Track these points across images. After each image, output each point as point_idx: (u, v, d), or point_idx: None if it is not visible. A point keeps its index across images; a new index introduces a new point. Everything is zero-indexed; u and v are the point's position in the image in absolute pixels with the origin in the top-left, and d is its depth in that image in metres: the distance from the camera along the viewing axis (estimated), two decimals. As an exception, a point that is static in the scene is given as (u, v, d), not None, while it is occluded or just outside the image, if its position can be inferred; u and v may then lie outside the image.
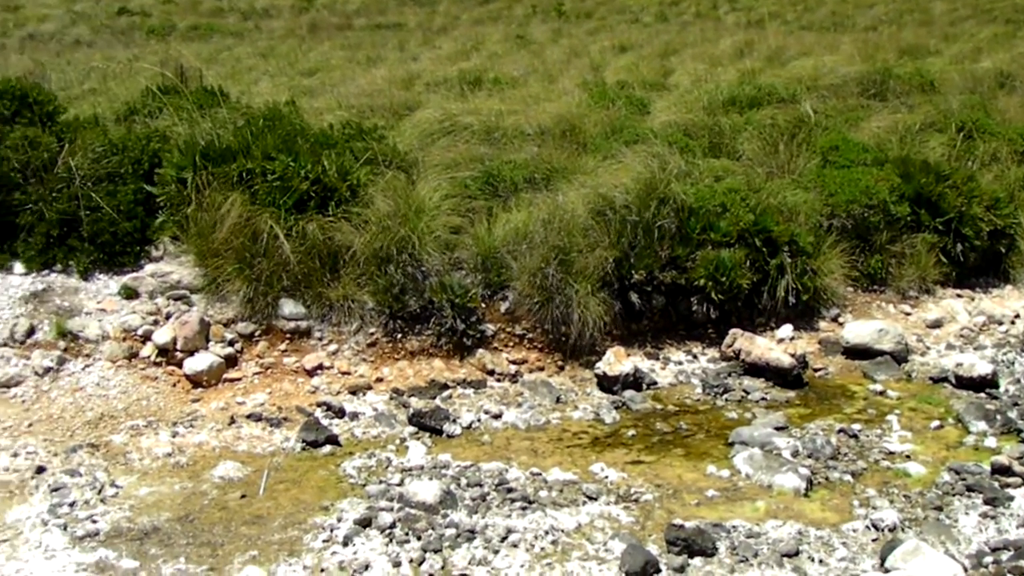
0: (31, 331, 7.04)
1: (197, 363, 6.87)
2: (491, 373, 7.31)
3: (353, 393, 6.93)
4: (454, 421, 6.57)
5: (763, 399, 7.13)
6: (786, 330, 7.96)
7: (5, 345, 6.94)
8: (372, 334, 7.32)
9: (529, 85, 12.96)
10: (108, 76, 13.62)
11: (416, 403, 6.76)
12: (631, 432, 6.61)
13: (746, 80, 12.63)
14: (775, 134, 9.94)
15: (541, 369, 7.46)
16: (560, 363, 7.53)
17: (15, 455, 6.02)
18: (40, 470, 5.87)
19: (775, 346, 7.56)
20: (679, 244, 7.89)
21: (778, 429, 6.49)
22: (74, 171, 7.67)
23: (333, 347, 7.24)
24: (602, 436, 6.59)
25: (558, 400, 7.06)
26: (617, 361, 7.28)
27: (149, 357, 6.97)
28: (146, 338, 7.06)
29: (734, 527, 5.33)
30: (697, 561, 5.02)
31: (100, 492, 5.64)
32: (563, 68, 14.90)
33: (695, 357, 7.83)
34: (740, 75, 13.14)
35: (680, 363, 7.74)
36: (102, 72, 14.04)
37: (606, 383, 7.24)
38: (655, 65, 14.87)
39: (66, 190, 7.62)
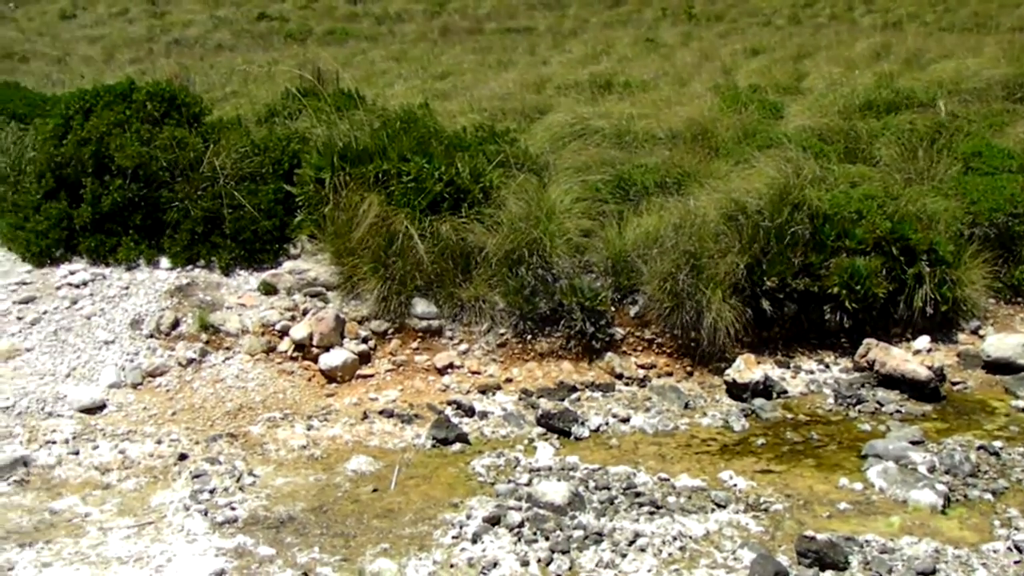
0: (176, 324, 7.33)
1: (332, 359, 7.05)
2: (619, 377, 7.31)
3: (483, 392, 7.02)
4: (582, 423, 6.59)
5: (898, 412, 6.95)
6: (923, 341, 7.75)
7: (152, 336, 7.25)
8: (502, 335, 7.39)
9: (660, 88, 12.87)
10: (249, 79, 14.04)
11: (545, 404, 6.80)
12: (761, 441, 6.53)
13: (883, 83, 12.29)
14: (914, 139, 9.66)
15: (670, 374, 7.43)
16: (689, 369, 7.49)
17: (159, 442, 6.28)
18: (182, 457, 6.11)
19: (911, 358, 7.36)
20: (813, 251, 7.75)
21: (914, 443, 6.31)
22: (218, 171, 7.94)
23: (464, 346, 7.34)
24: (731, 444, 6.53)
25: (686, 406, 7.02)
26: (747, 368, 7.20)
27: (286, 352, 7.19)
28: (283, 333, 7.28)
29: (867, 541, 5.21)
30: (828, 574, 4.93)
31: (239, 480, 5.84)
32: (694, 71, 14.75)
33: (827, 366, 7.69)
34: (877, 78, 12.78)
35: (811, 372, 7.61)
36: (243, 75, 14.49)
37: (735, 390, 7.17)
38: (788, 68, 14.58)
39: (210, 189, 7.89)
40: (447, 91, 13.07)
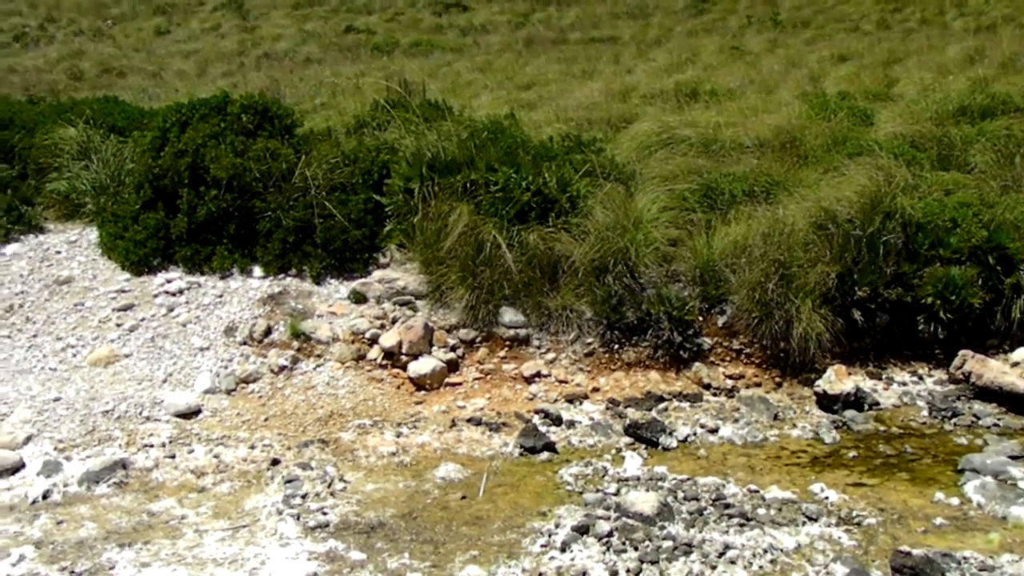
0: (268, 331, 7.48)
1: (421, 367, 7.13)
2: (707, 387, 7.25)
3: (570, 401, 7.03)
4: (670, 434, 6.56)
5: (995, 425, 6.78)
6: (1021, 353, 7.53)
7: (245, 344, 7.40)
8: (589, 344, 7.39)
9: (746, 96, 12.75)
10: (337, 91, 14.27)
11: (632, 414, 6.78)
12: (852, 453, 6.42)
13: (978, 89, 12.00)
14: (1010, 145, 9.41)
15: (758, 385, 7.35)
16: (778, 379, 7.40)
17: (252, 447, 6.41)
18: (275, 462, 6.22)
19: (1009, 370, 7.16)
20: (905, 260, 7.60)
21: (1014, 458, 6.14)
22: (309, 181, 8.09)
23: (551, 355, 7.36)
24: (822, 456, 6.43)
25: (776, 417, 6.93)
26: (838, 379, 7.09)
27: (375, 359, 7.28)
28: (373, 341, 7.38)
29: (965, 558, 5.08)
30: (925, 590, 4.83)
31: (330, 486, 5.92)
32: (780, 79, 14.58)
33: (920, 378, 7.53)
34: (971, 84, 12.48)
35: (904, 384, 7.46)
36: (332, 87, 14.72)
37: (826, 402, 7.06)
38: (877, 74, 14.33)
39: (302, 199, 8.05)
40: (532, 101, 13.12)
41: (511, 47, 21.31)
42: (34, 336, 7.62)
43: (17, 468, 6.21)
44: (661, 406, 7.01)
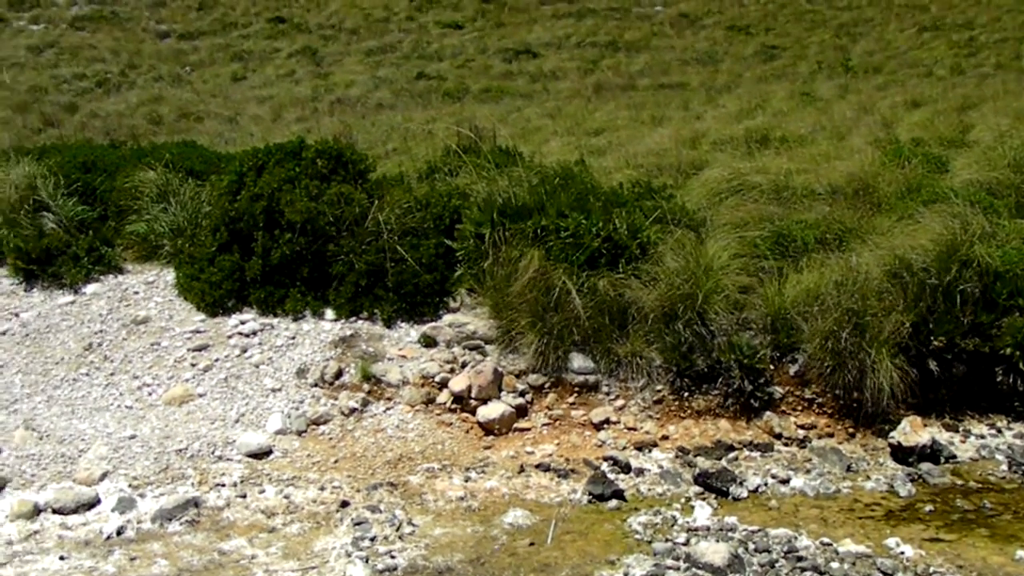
0: (339, 373, 7.55)
1: (490, 411, 7.14)
2: (778, 437, 7.16)
3: (639, 449, 6.98)
4: (741, 483, 6.48)
5: (1079, 481, 6.60)
6: (1106, 407, 7.35)
7: (316, 385, 7.48)
8: (659, 391, 7.35)
9: (817, 143, 12.65)
10: (409, 136, 14.46)
11: (702, 463, 6.71)
12: (928, 507, 6.28)
13: (1057, 135, 11.78)
14: (1092, 193, 9.23)
15: (831, 435, 7.23)
16: (851, 430, 7.27)
17: (322, 488, 6.45)
18: (344, 504, 6.26)
19: (1093, 424, 6.98)
20: (983, 310, 7.46)
21: (1099, 515, 5.98)
22: (382, 225, 8.19)
23: (620, 402, 7.33)
24: (896, 509, 6.30)
25: (849, 468, 6.82)
26: (913, 431, 6.95)
27: (445, 403, 7.31)
28: (443, 385, 7.41)
29: (1047, 619, 4.94)
30: (1007, 651, 4.70)
31: (398, 529, 5.94)
32: (852, 125, 14.46)
33: (999, 431, 7.36)
34: (1051, 130, 12.27)
35: (982, 437, 7.29)
36: (403, 132, 14.92)
37: (900, 454, 6.92)
38: (952, 120, 14.14)
39: (374, 243, 8.14)
40: (602, 147, 13.17)
41: (580, 93, 21.43)
42: (111, 374, 7.79)
43: (93, 504, 6.33)
44: (731, 455, 6.93)
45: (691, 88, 21.80)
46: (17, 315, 8.62)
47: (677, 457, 6.89)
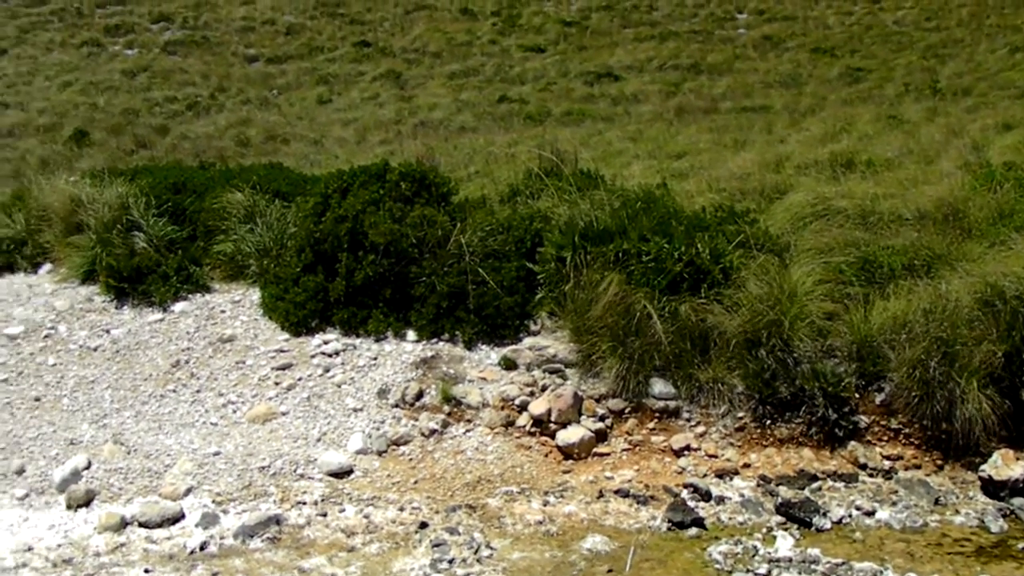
0: (420, 395, 7.60)
1: (569, 436, 7.12)
2: (863, 467, 7.00)
3: (720, 477, 6.89)
4: (824, 514, 6.36)
5: None
6: None
7: (397, 406, 7.54)
8: (740, 418, 7.25)
9: (905, 167, 12.41)
10: (491, 159, 14.54)
11: (784, 492, 6.60)
12: (1021, 544, 6.09)
13: None
14: None
15: (918, 467, 7.05)
16: (939, 462, 7.08)
17: (401, 509, 6.49)
18: (423, 525, 6.29)
19: None
20: (1080, 340, 7.22)
21: None
22: (464, 248, 8.24)
23: (701, 429, 7.25)
24: (987, 546, 6.11)
25: (937, 502, 6.64)
26: (1005, 465, 6.75)
27: (524, 427, 7.31)
28: (522, 408, 7.41)
29: None
30: None
31: (476, 552, 5.95)
32: (941, 148, 14.14)
33: (1097, 466, 7.10)
34: None
35: (1079, 472, 7.04)
36: (485, 155, 15.01)
37: (991, 488, 6.72)
38: (1047, 144, 13.78)
39: (456, 265, 8.19)
40: (684, 171, 13.09)
41: (662, 116, 21.38)
42: (197, 391, 7.94)
43: (177, 518, 6.46)
44: (814, 485, 6.80)
45: (774, 111, 21.59)
46: (108, 331, 8.85)
47: (759, 486, 6.79)
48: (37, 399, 8.04)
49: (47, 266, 10.33)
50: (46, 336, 8.88)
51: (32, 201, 10.83)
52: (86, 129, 23.51)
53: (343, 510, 6.48)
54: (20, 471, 7.14)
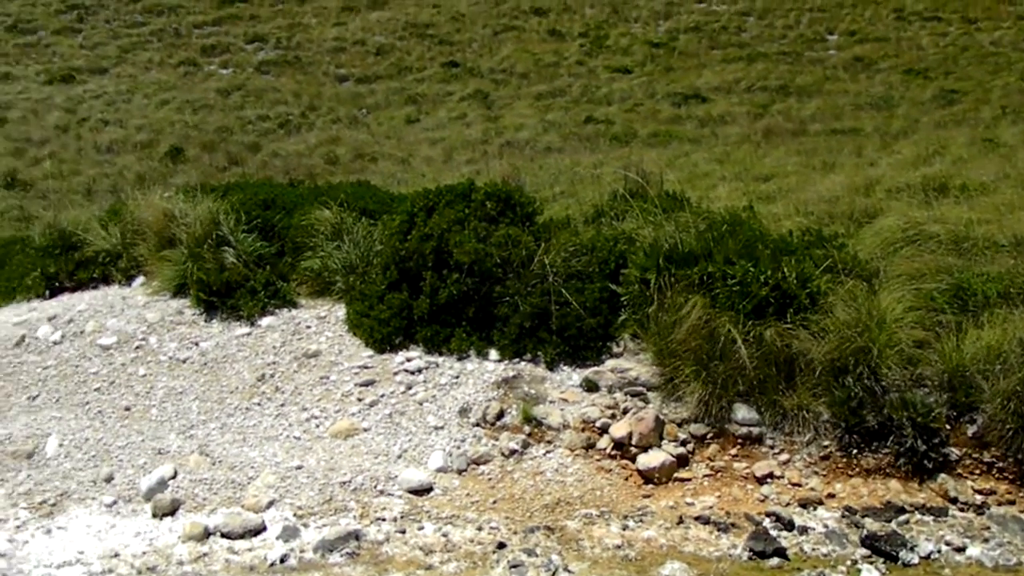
0: (501, 414, 7.60)
1: (650, 460, 7.05)
2: (953, 501, 6.80)
3: (803, 506, 6.75)
4: (911, 549, 6.18)
5: None
6: None
7: (478, 425, 7.55)
8: (825, 447, 7.10)
9: (1001, 192, 12.07)
10: (576, 180, 14.54)
11: (870, 524, 6.44)
12: (1121, 585, 5.86)
13: None
14: None
15: (1012, 503, 6.81)
16: (1034, 498, 6.86)
17: (480, 529, 6.49)
18: (501, 546, 6.27)
19: None
20: None
21: None
22: (547, 268, 8.23)
23: (784, 456, 7.12)
24: (1084, 586, 5.89)
25: (1031, 539, 6.42)
26: (1105, 502, 6.50)
27: (605, 449, 7.26)
28: (603, 431, 7.36)
29: None
30: None
31: (554, 574, 5.91)
32: (1040, 173, 13.77)
33: None
34: None
35: None
36: (571, 176, 15.02)
37: (1090, 526, 6.48)
38: None
39: (539, 286, 8.19)
40: (771, 193, 12.94)
41: (749, 138, 21.19)
42: (282, 405, 8.06)
43: (259, 530, 6.55)
44: (902, 518, 6.62)
45: (865, 133, 21.25)
46: (197, 344, 9.04)
47: (844, 517, 6.63)
48: (127, 408, 8.24)
49: (140, 279, 10.60)
50: (137, 347, 9.11)
51: (128, 216, 11.12)
52: (181, 146, 24.17)
53: (422, 528, 6.50)
54: (109, 478, 7.32)
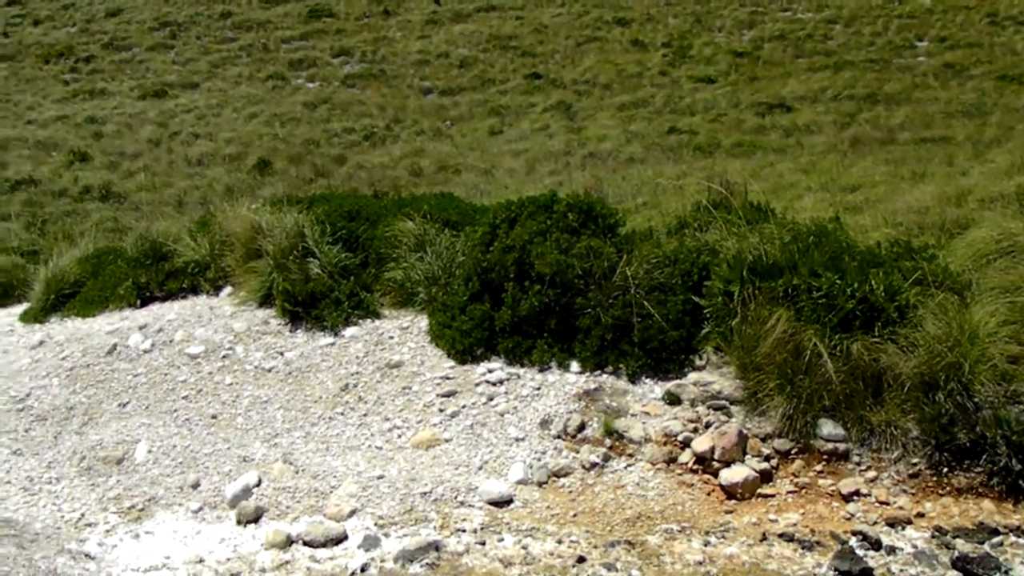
0: (582, 427, 7.57)
1: (733, 475, 6.95)
2: (1050, 522, 6.58)
3: (891, 525, 6.58)
4: (1006, 572, 5.98)
5: None
6: None
7: (558, 437, 7.53)
8: (915, 464, 6.92)
9: (1102, 203, 11.70)
10: (659, 191, 14.45)
11: (962, 546, 6.25)
12: None
13: None
14: None
15: (1113, 525, 6.58)
16: None
17: (560, 542, 6.46)
18: (581, 560, 6.23)
19: None
20: None
21: None
22: (629, 280, 8.18)
23: (872, 474, 6.96)
24: None
25: None
26: None
27: (686, 464, 7.18)
28: (685, 444, 7.28)
29: None
30: None
31: (634, 590, 5.86)
32: None
33: None
34: None
35: None
36: (653, 187, 14.94)
37: None
38: None
39: (621, 297, 8.14)
40: (858, 204, 12.70)
41: (836, 148, 20.86)
42: (364, 415, 8.13)
43: (340, 539, 6.61)
44: (995, 540, 6.41)
45: (956, 142, 20.75)
46: (282, 354, 9.17)
47: (933, 537, 6.45)
48: (214, 416, 8.40)
49: (228, 289, 10.81)
50: (224, 356, 9.28)
51: (216, 227, 11.36)
52: (269, 158, 24.63)
53: (502, 539, 6.50)
54: (195, 485, 7.47)
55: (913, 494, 6.82)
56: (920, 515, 6.66)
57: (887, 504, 6.75)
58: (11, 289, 14.00)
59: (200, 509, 7.19)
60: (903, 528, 6.55)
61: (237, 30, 42.54)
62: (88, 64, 39.96)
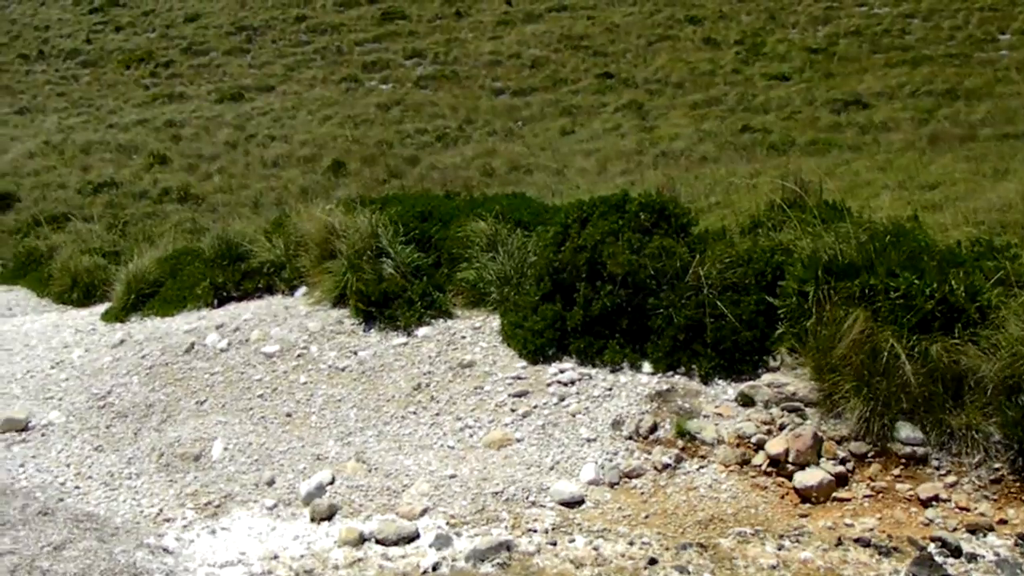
0: (654, 428, 7.52)
1: (808, 478, 6.85)
2: None
3: (971, 532, 6.42)
4: (1092, 580, 5.82)
5: None
6: None
7: (630, 438, 7.49)
8: (997, 470, 6.75)
9: None
10: (732, 190, 14.31)
11: (1047, 553, 6.10)
12: None
13: None
14: None
15: None
16: None
17: (631, 543, 6.42)
18: (652, 562, 6.19)
19: None
20: None
21: None
22: (702, 280, 8.11)
23: (951, 479, 6.80)
24: None
25: None
26: None
27: (760, 466, 7.09)
28: (759, 447, 7.20)
29: None
30: None
31: (708, 593, 5.81)
32: None
33: None
34: None
35: None
36: (727, 186, 14.80)
37: None
38: None
39: (694, 298, 8.07)
40: (937, 202, 12.46)
41: (914, 145, 20.45)
42: (436, 415, 8.18)
43: (412, 538, 6.66)
44: (1081, 547, 6.25)
45: (1042, 138, 20.21)
46: (356, 353, 9.27)
47: (1016, 545, 6.28)
48: (288, 415, 8.52)
49: (302, 289, 10.95)
50: (299, 355, 9.41)
51: (291, 228, 11.51)
52: (343, 160, 24.92)
53: (573, 540, 6.49)
54: (270, 482, 7.58)
55: (995, 500, 6.66)
56: (1003, 522, 6.50)
57: (967, 510, 6.60)
58: (93, 289, 14.38)
59: (275, 506, 7.29)
60: (984, 535, 6.40)
61: (311, 33, 43.10)
62: (167, 69, 40.84)
